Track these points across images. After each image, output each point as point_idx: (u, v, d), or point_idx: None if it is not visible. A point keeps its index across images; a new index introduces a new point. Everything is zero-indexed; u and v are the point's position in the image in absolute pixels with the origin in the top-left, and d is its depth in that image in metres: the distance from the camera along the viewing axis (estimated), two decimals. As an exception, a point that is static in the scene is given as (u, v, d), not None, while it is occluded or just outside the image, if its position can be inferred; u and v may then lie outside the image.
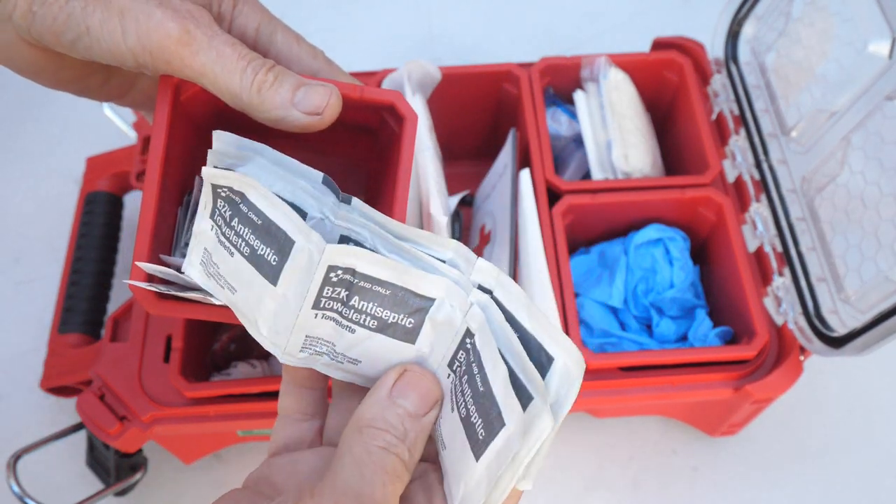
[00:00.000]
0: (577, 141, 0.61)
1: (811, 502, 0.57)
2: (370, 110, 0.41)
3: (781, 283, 0.51)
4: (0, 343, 0.64)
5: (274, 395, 0.49)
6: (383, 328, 0.31)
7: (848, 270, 0.47)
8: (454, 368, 0.30)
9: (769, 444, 0.59)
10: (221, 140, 0.34)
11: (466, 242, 0.61)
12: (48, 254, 0.67)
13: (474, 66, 0.60)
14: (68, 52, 0.34)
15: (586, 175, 0.59)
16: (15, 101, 0.77)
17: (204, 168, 0.32)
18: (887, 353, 0.50)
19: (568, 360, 0.28)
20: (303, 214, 0.32)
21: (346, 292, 0.30)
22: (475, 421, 0.28)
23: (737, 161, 0.57)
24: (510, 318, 0.29)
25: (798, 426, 0.60)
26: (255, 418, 0.49)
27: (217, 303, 0.37)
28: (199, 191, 0.41)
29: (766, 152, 0.55)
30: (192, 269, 0.35)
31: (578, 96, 0.60)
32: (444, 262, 0.31)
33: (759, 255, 0.53)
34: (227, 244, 0.32)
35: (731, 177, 0.57)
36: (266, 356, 0.57)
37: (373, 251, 0.30)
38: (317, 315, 0.30)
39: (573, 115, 0.60)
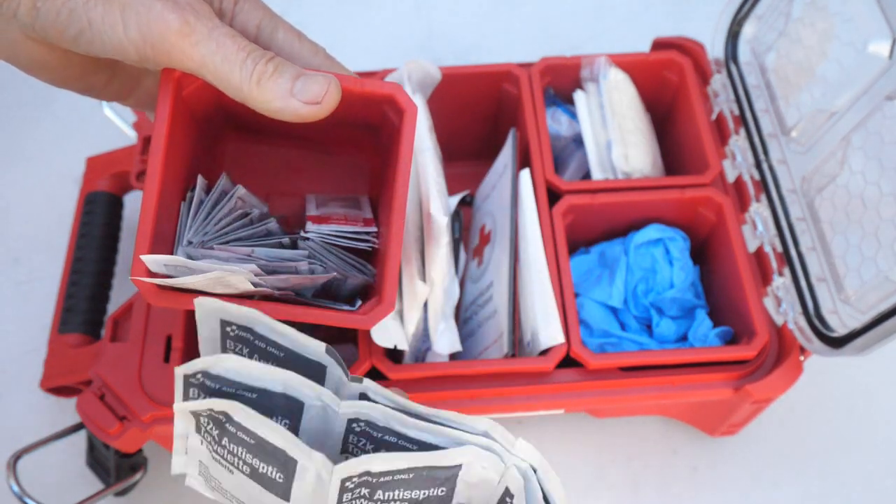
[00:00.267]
0: (577, 141, 0.61)
1: (811, 502, 0.57)
2: (371, 105, 0.41)
3: (781, 283, 0.51)
4: (0, 343, 0.64)
5: (274, 396, 0.49)
6: None
7: (848, 270, 0.47)
8: None
9: (769, 444, 0.59)
10: (205, 321, 0.33)
11: (466, 242, 0.61)
12: (48, 254, 0.67)
13: (474, 66, 0.60)
14: (72, 47, 0.35)
15: (586, 175, 0.59)
16: (15, 101, 0.77)
17: (175, 404, 0.31)
18: (887, 353, 0.49)
19: None
20: (299, 405, 0.31)
21: (368, 490, 0.29)
22: None
23: (737, 161, 0.57)
24: (546, 499, 0.29)
25: (798, 426, 0.60)
26: (255, 418, 0.49)
27: (220, 292, 0.37)
28: (202, 188, 0.41)
29: (766, 152, 0.55)
30: (193, 480, 0.34)
31: (578, 96, 0.60)
32: (477, 434, 0.30)
33: (759, 255, 0.53)
34: (224, 462, 0.31)
35: (731, 177, 0.57)
36: (266, 356, 0.57)
37: (385, 434, 0.29)
38: None
39: (573, 115, 0.60)
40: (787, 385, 0.49)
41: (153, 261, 0.35)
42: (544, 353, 0.49)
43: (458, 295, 0.50)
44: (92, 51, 0.35)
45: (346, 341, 0.58)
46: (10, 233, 0.69)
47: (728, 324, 0.54)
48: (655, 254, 0.55)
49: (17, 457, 0.50)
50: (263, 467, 0.29)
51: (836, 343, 0.46)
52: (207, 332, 0.33)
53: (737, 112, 0.58)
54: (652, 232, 0.55)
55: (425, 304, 0.48)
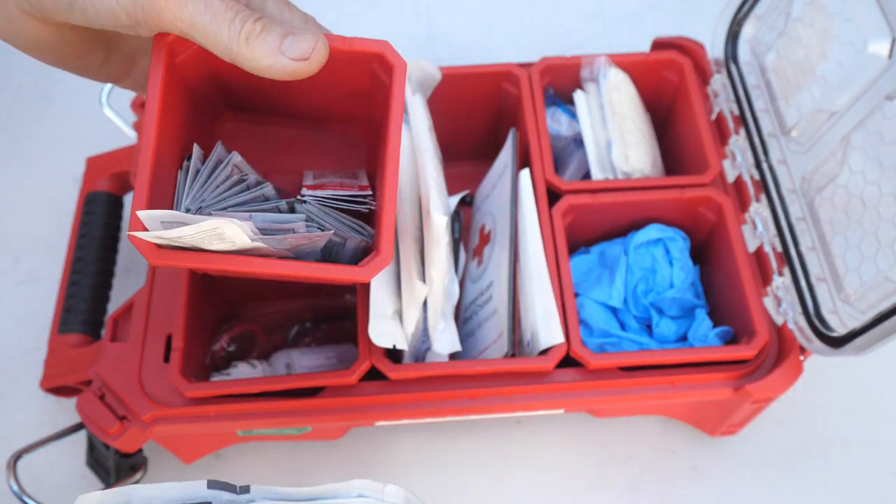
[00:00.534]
0: (577, 141, 0.61)
1: (811, 502, 0.57)
2: (360, 65, 0.41)
3: (781, 282, 0.51)
4: (0, 343, 0.64)
5: (274, 395, 0.49)
6: None
7: (848, 270, 0.47)
8: None
9: (769, 444, 0.59)
10: None
11: (466, 242, 0.61)
12: (48, 254, 0.67)
13: (474, 66, 0.60)
14: (66, 18, 0.35)
15: (586, 175, 0.59)
16: (15, 101, 0.77)
17: None
18: (887, 353, 0.49)
19: None
20: None
21: None
22: None
23: (737, 161, 0.57)
24: None
25: (798, 426, 0.59)
26: (255, 418, 0.49)
27: (215, 248, 0.37)
28: (198, 157, 0.41)
29: (765, 152, 0.55)
30: None
31: (578, 96, 0.60)
32: (352, 498, 0.32)
33: (759, 254, 0.53)
34: None
35: (730, 177, 0.57)
36: (266, 356, 0.57)
37: None
38: None
39: (573, 115, 0.60)
40: (787, 385, 0.49)
41: (149, 217, 0.35)
42: (544, 352, 0.49)
43: (457, 295, 0.50)
44: (86, 20, 0.35)
45: (347, 341, 0.58)
46: (10, 233, 0.69)
47: (728, 324, 0.54)
48: (655, 254, 0.55)
49: (17, 457, 0.50)
50: None
51: (836, 343, 0.46)
52: None
53: (737, 112, 0.58)
54: (652, 232, 0.55)
55: (425, 304, 0.48)
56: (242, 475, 0.57)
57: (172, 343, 0.50)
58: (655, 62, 0.61)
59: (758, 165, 0.55)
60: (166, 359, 0.51)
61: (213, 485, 0.32)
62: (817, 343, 0.47)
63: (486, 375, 0.49)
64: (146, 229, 0.36)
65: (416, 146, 0.50)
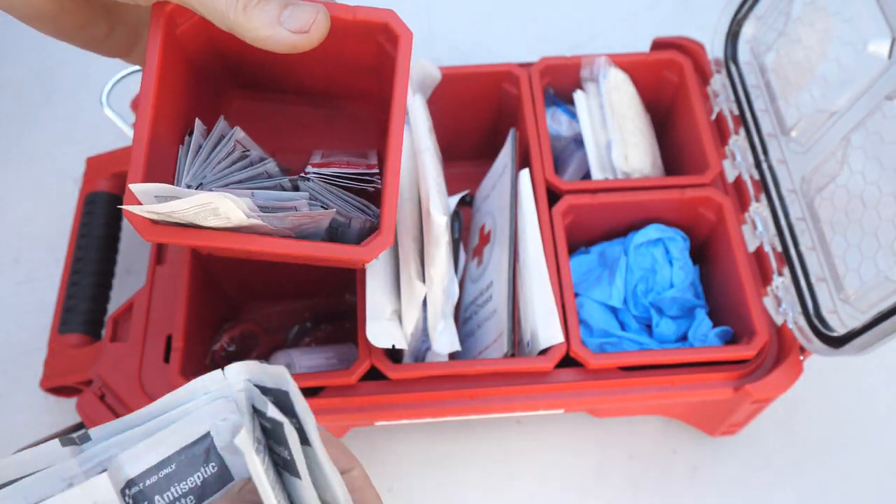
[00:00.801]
0: (577, 141, 0.61)
1: (811, 502, 0.57)
2: (365, 37, 0.40)
3: (781, 282, 0.51)
4: (0, 343, 0.64)
5: (274, 395, 0.49)
6: (202, 497, 0.29)
7: (847, 270, 0.47)
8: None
9: (769, 444, 0.59)
10: None
11: (466, 242, 0.61)
12: (48, 254, 0.67)
13: (474, 66, 0.60)
14: None
15: (586, 175, 0.59)
16: (15, 101, 0.77)
17: None
18: (887, 353, 0.50)
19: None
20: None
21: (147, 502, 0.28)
22: None
23: (736, 161, 0.57)
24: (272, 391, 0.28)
25: (798, 426, 0.59)
26: (254, 418, 0.49)
27: (210, 225, 0.36)
28: (200, 133, 0.40)
29: (765, 152, 0.55)
30: None
31: (578, 96, 0.60)
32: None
33: (759, 254, 0.53)
34: None
35: (730, 177, 0.57)
36: (266, 356, 0.57)
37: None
38: None
39: (573, 115, 0.60)
40: (787, 385, 0.49)
41: (143, 190, 0.34)
42: (544, 352, 0.49)
43: (457, 294, 0.50)
44: None
45: (347, 341, 0.58)
46: (10, 233, 0.69)
47: (728, 323, 0.54)
48: (655, 254, 0.55)
49: (16, 457, 0.50)
50: None
51: (836, 343, 0.46)
52: None
53: (736, 112, 0.58)
54: (652, 232, 0.55)
55: (424, 304, 0.48)
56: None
57: (172, 343, 0.50)
58: (655, 62, 0.61)
59: (758, 165, 0.55)
60: (166, 359, 0.51)
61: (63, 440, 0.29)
62: (817, 343, 0.47)
63: (486, 375, 0.49)
64: (140, 204, 0.35)
65: (416, 146, 0.50)
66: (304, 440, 0.27)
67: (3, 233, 0.69)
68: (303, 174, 0.41)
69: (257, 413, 0.28)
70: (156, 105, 0.37)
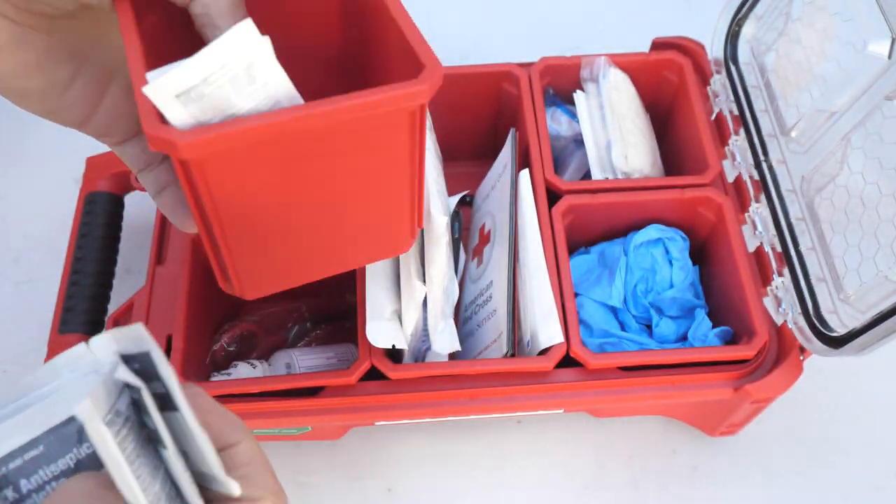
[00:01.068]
0: (577, 141, 0.61)
1: (811, 502, 0.57)
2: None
3: (781, 283, 0.51)
4: (0, 343, 0.64)
5: (274, 395, 0.49)
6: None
7: (847, 270, 0.47)
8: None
9: (769, 444, 0.59)
10: None
11: (466, 242, 0.61)
12: (48, 254, 0.67)
13: (474, 66, 0.60)
14: None
15: (586, 175, 0.59)
16: (15, 101, 0.77)
17: None
18: (887, 353, 0.49)
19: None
20: None
21: (12, 487, 0.27)
22: None
23: (736, 161, 0.57)
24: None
25: (798, 426, 0.59)
26: (255, 418, 0.49)
27: (247, 107, 0.33)
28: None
29: (765, 152, 0.55)
30: None
31: (578, 96, 0.60)
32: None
33: (759, 255, 0.53)
34: None
35: (730, 177, 0.57)
36: (266, 356, 0.57)
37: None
38: None
39: (573, 116, 0.60)
40: (787, 385, 0.49)
41: (160, 86, 0.30)
42: (544, 352, 0.49)
43: (457, 294, 0.50)
44: None
45: (347, 341, 0.58)
46: (10, 233, 0.69)
47: (728, 324, 0.54)
48: (655, 254, 0.55)
49: (16, 456, 0.50)
50: None
51: (836, 343, 0.46)
52: None
53: (736, 112, 0.58)
54: (652, 232, 0.55)
55: (424, 304, 0.48)
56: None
57: (172, 343, 0.50)
58: (655, 62, 0.61)
59: (757, 166, 0.55)
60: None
61: None
62: (817, 343, 0.47)
63: (486, 375, 0.49)
64: (158, 112, 0.31)
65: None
66: (174, 406, 0.26)
67: (3, 233, 0.69)
68: None
69: (130, 387, 0.27)
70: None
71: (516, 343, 0.50)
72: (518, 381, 0.49)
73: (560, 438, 0.59)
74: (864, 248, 0.46)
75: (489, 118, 0.64)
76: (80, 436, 0.27)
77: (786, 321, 0.50)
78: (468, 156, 0.65)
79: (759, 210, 0.54)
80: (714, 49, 0.60)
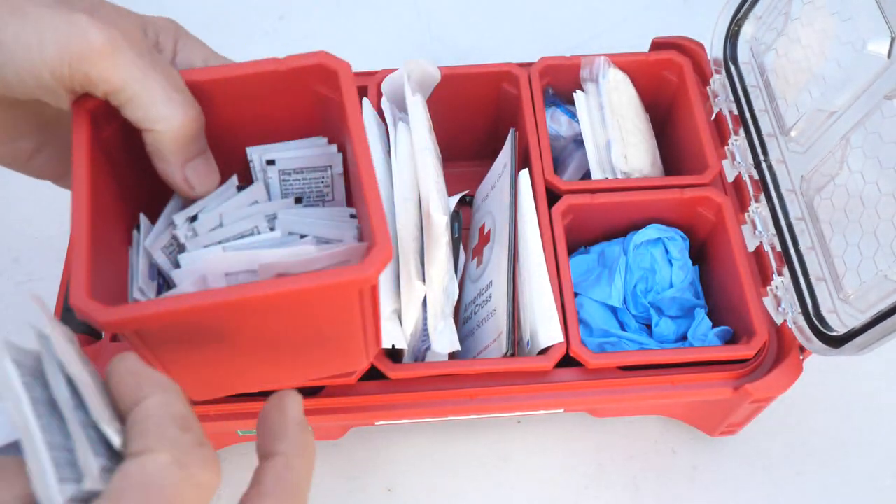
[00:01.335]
0: (577, 141, 0.61)
1: (811, 502, 0.57)
2: (302, 90, 0.38)
3: (781, 282, 0.51)
4: (0, 343, 0.64)
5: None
6: None
7: (847, 270, 0.47)
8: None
9: (769, 444, 0.59)
10: None
11: (466, 242, 0.61)
12: (48, 254, 0.67)
13: (474, 66, 0.60)
14: None
15: (586, 175, 0.59)
16: (15, 101, 0.77)
17: None
18: (887, 353, 0.50)
19: None
20: None
21: None
22: None
23: (736, 161, 0.57)
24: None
25: (798, 426, 0.60)
26: (255, 418, 0.49)
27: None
28: (146, 229, 0.38)
29: (765, 152, 0.55)
30: None
31: (578, 97, 0.60)
32: None
33: (759, 254, 0.54)
34: None
35: (730, 177, 0.57)
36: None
37: None
38: None
39: (573, 116, 0.61)
40: (787, 385, 0.49)
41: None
42: (543, 352, 0.49)
43: (457, 294, 0.50)
44: (4, 78, 0.31)
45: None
46: (10, 233, 0.69)
47: (727, 323, 0.54)
48: (655, 253, 0.55)
49: (16, 456, 0.50)
50: None
51: (836, 342, 0.46)
52: None
53: (736, 112, 0.58)
54: (651, 232, 0.55)
55: (424, 304, 0.48)
56: (243, 475, 0.57)
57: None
58: (655, 62, 0.61)
59: (757, 165, 0.55)
60: (166, 359, 0.51)
61: None
62: (817, 343, 0.47)
63: (486, 375, 0.49)
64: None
65: (415, 146, 0.50)
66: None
67: (3, 233, 0.69)
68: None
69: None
70: (91, 206, 0.33)
71: (516, 343, 0.50)
72: (518, 380, 0.49)
73: (560, 438, 0.59)
74: (863, 247, 0.46)
75: (489, 118, 0.64)
76: None
77: (785, 321, 0.50)
78: (468, 156, 0.65)
79: (758, 210, 0.54)
80: (714, 49, 0.60)
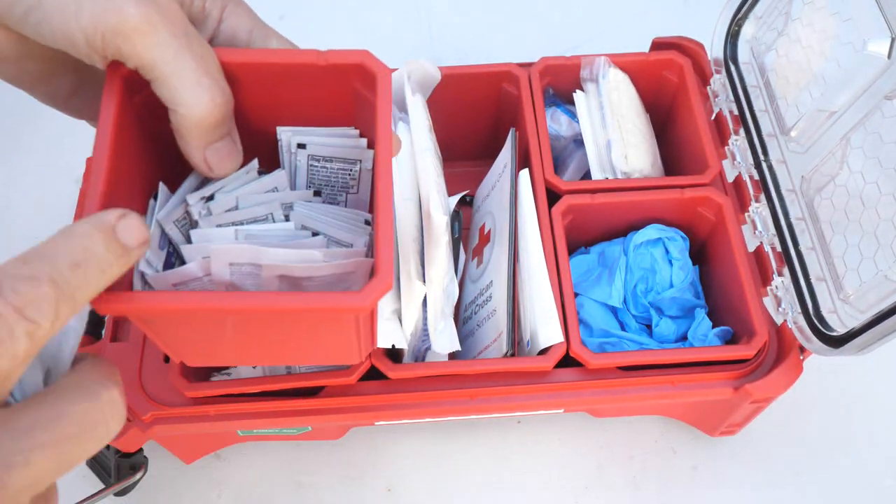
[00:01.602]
0: (577, 141, 0.61)
1: (811, 502, 0.57)
2: (339, 84, 0.38)
3: (781, 282, 0.51)
4: None
5: (274, 395, 0.49)
6: None
7: (847, 270, 0.47)
8: None
9: (769, 444, 0.59)
10: None
11: (466, 242, 0.61)
12: (48, 254, 0.67)
13: (474, 66, 0.60)
14: (20, 27, 0.32)
15: (586, 175, 0.59)
16: (15, 101, 0.77)
17: None
18: (887, 353, 0.49)
19: None
20: None
21: None
22: None
23: (736, 161, 0.57)
24: None
25: (798, 426, 0.60)
26: (255, 418, 0.49)
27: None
28: (164, 199, 0.38)
29: (765, 152, 0.55)
30: None
31: (578, 97, 0.60)
32: None
33: (759, 254, 0.54)
34: None
35: (730, 177, 0.57)
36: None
37: None
38: None
39: (573, 116, 0.61)
40: (787, 385, 0.49)
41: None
42: (543, 352, 0.49)
43: (457, 294, 0.50)
44: (40, 33, 0.31)
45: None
46: (11, 233, 0.69)
47: (728, 323, 0.54)
48: (655, 253, 0.55)
49: (16, 456, 0.50)
50: None
51: (836, 342, 0.46)
52: None
53: (736, 112, 0.58)
54: (651, 232, 0.55)
55: (424, 304, 0.48)
56: (243, 475, 0.57)
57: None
58: (655, 62, 0.61)
59: (757, 165, 0.55)
60: (166, 359, 0.51)
61: None
62: (817, 343, 0.47)
63: (486, 375, 0.49)
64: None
65: (415, 146, 0.50)
66: None
67: (3, 232, 0.69)
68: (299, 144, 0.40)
69: None
70: (110, 169, 0.33)
71: (516, 343, 0.50)
72: (518, 380, 0.49)
73: (560, 438, 0.59)
74: (863, 247, 0.46)
75: (489, 118, 0.64)
76: None
77: (786, 321, 0.50)
78: (468, 156, 0.65)
79: (758, 210, 0.54)
80: (714, 49, 0.60)
